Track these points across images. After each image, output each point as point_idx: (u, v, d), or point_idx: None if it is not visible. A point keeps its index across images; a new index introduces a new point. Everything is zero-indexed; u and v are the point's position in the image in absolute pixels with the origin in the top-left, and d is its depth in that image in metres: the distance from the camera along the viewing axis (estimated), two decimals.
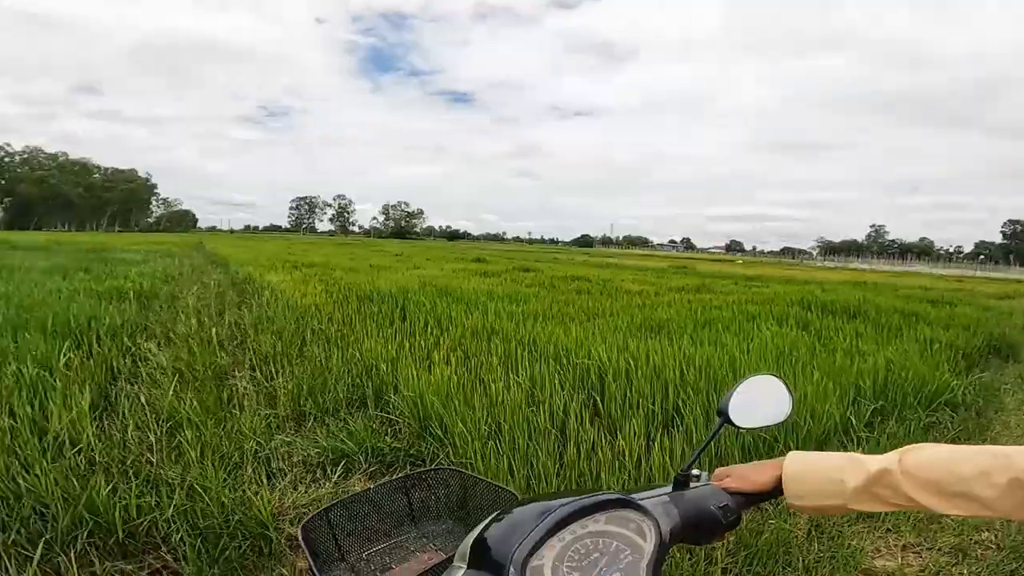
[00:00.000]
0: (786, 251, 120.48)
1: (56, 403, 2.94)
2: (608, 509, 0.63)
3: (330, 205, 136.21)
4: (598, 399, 3.49)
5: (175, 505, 2.23)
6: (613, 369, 3.77)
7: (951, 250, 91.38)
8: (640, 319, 6.23)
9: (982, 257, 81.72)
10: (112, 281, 9.38)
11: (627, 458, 2.75)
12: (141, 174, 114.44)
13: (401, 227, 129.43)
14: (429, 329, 5.45)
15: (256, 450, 2.97)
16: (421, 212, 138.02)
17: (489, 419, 3.14)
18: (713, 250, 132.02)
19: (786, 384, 0.87)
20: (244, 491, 2.47)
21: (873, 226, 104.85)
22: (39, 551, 1.96)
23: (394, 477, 1.22)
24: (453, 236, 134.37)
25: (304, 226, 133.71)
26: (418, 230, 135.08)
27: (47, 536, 2.04)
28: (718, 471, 0.85)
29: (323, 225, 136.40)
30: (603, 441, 2.98)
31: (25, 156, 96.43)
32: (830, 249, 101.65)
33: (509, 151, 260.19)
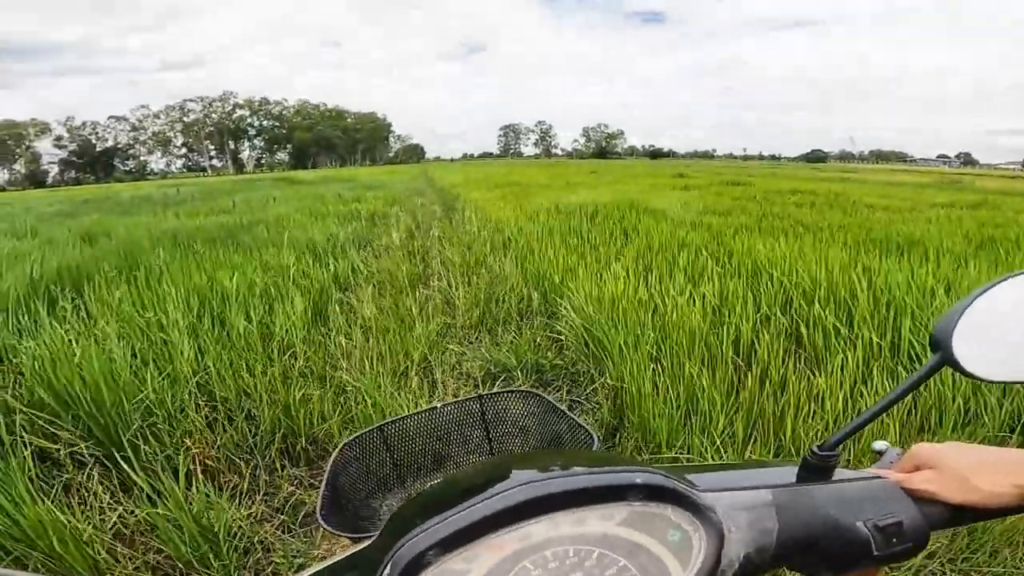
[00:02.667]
0: None
1: (281, 311, 3.32)
2: (624, 498, 0.34)
3: (532, 131, 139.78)
4: (802, 325, 2.85)
5: (345, 413, 2.35)
6: (827, 290, 3.04)
7: None
8: (879, 234, 4.97)
9: None
10: (354, 204, 11.03)
11: (826, 403, 2.17)
12: (379, 115, 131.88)
13: (602, 147, 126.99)
14: (613, 240, 5.15)
15: (425, 359, 3.06)
16: (621, 132, 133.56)
17: (659, 339, 2.78)
18: (1005, 166, 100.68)
19: None
20: (403, 402, 2.49)
21: None
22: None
23: (466, 396, 1.04)
24: (656, 155, 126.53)
25: (511, 151, 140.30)
26: (619, 150, 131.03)
27: (252, 440, 2.23)
28: (915, 450, 0.47)
29: (528, 150, 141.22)
30: (799, 379, 2.42)
31: (296, 108, 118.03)
32: None
33: (714, 66, 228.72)
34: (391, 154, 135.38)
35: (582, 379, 2.84)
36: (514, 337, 3.29)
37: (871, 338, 2.61)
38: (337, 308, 3.81)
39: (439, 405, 0.94)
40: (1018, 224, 6.40)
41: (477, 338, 3.44)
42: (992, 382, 0.44)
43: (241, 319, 3.10)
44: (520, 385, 2.83)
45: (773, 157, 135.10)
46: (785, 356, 2.60)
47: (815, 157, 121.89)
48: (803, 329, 2.81)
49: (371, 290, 4.31)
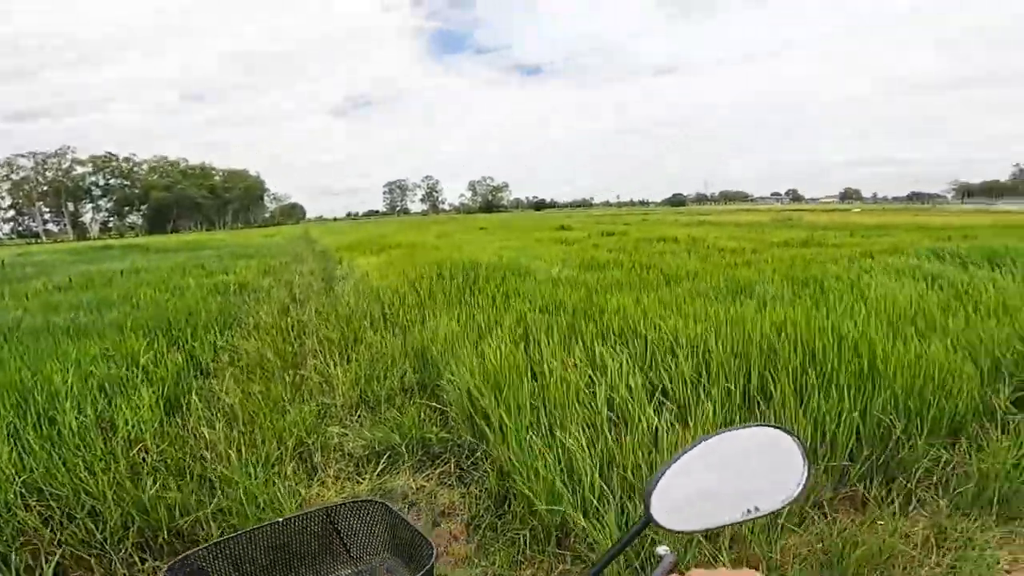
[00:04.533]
0: (914, 196, 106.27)
1: (124, 402, 3.05)
2: None
3: (419, 186, 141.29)
4: (667, 378, 3.06)
5: (215, 504, 2.22)
6: (686, 342, 3.31)
7: None
8: (727, 281, 5.57)
9: None
10: (220, 276, 10.18)
11: None
12: (252, 173, 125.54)
13: (489, 201, 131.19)
14: (494, 306, 5.23)
15: (303, 443, 2.92)
16: (506, 185, 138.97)
17: (539, 405, 2.83)
18: (825, 200, 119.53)
19: (796, 440, 0.49)
20: (279, 489, 2.40)
21: (1017, 165, 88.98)
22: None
23: (312, 508, 1.01)
24: (540, 206, 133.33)
25: (398, 208, 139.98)
26: (505, 203, 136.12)
27: (99, 536, 2.08)
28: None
29: (415, 206, 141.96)
30: (668, 429, 2.58)
31: (153, 164, 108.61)
32: (968, 191, 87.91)
33: (590, 116, 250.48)
34: (267, 215, 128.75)
35: (469, 450, 2.82)
36: (397, 414, 3.20)
37: (727, 385, 2.86)
38: (196, 397, 3.49)
39: (282, 520, 0.91)
40: (838, 259, 7.55)
41: (358, 418, 3.31)
42: (689, 533, 0.52)
43: (73, 415, 2.81)
44: (404, 463, 2.78)
45: (643, 202, 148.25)
46: (653, 412, 2.76)
47: (677, 201, 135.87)
48: (668, 383, 3.01)
49: (237, 374, 3.99)
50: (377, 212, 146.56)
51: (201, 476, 2.46)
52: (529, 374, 3.24)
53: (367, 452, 2.86)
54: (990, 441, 2.45)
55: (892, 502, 2.19)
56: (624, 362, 3.25)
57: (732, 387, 2.85)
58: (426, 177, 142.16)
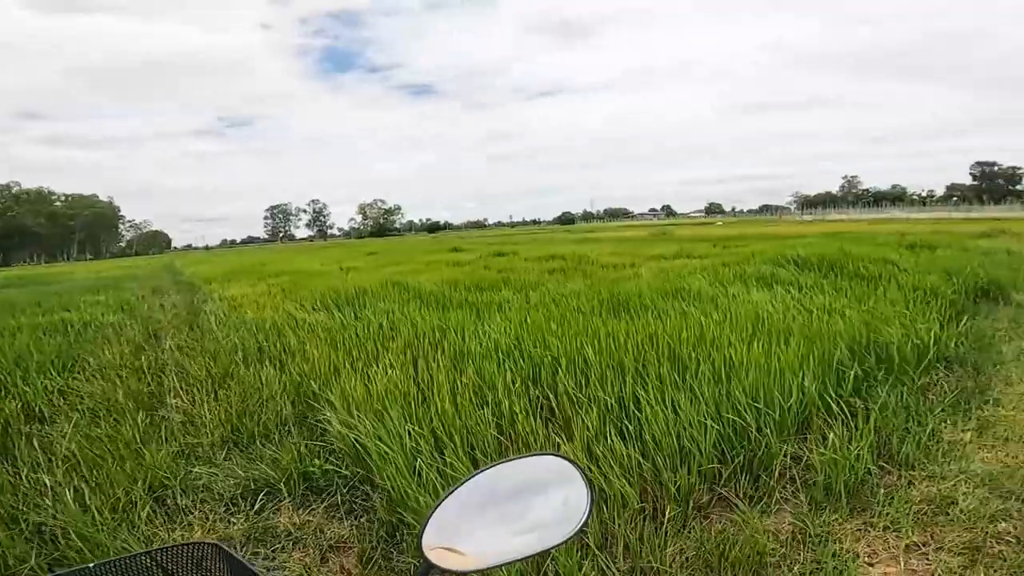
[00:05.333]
0: (765, 208, 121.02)
1: None
2: None
3: (305, 211, 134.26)
4: (551, 394, 3.13)
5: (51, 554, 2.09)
6: (566, 358, 3.41)
7: (924, 194, 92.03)
8: (608, 296, 5.88)
9: (955, 199, 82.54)
10: (61, 314, 8.86)
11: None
12: (103, 198, 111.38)
13: (380, 225, 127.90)
14: (381, 332, 5.06)
15: (164, 485, 2.70)
16: (398, 208, 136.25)
17: (430, 431, 2.80)
18: (693, 214, 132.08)
19: (576, 467, 0.50)
20: (128, 536, 2.23)
21: (846, 177, 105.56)
22: None
23: (136, 552, 0.87)
24: (433, 228, 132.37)
25: (281, 235, 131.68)
26: (398, 226, 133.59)
27: None
28: None
29: (301, 232, 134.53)
30: (554, 443, 2.64)
31: None
32: (807, 203, 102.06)
33: (482, 137, 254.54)
34: (122, 244, 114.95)
35: (358, 481, 2.71)
36: (275, 450, 3.01)
37: (603, 396, 2.97)
38: (29, 443, 3.15)
39: (93, 565, 0.78)
40: (702, 270, 8.30)
41: (227, 456, 3.07)
42: (473, 572, 0.47)
43: None
44: (285, 500, 2.62)
45: (535, 221, 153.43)
46: (540, 426, 2.82)
47: (566, 219, 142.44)
48: (551, 398, 3.08)
49: (79, 418, 3.56)
50: (257, 239, 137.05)
51: (40, 524, 2.27)
52: (419, 398, 3.20)
53: (241, 491, 2.68)
54: (833, 435, 2.64)
55: (760, 501, 2.35)
56: (510, 380, 3.28)
57: (608, 398, 2.97)
58: (312, 201, 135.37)
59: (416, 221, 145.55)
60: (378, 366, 3.88)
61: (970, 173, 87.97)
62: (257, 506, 2.55)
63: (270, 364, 4.44)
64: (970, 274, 6.64)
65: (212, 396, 3.92)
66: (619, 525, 2.12)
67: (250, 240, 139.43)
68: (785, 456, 2.58)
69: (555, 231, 57.44)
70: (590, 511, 0.49)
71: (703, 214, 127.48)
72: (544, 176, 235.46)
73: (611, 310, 5.15)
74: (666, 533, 2.13)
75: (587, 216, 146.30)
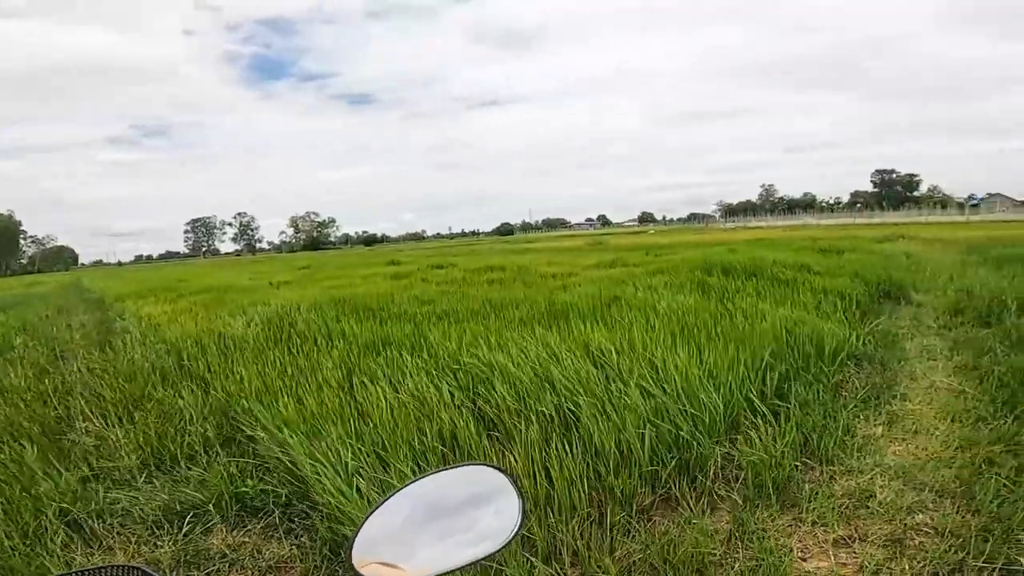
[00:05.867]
0: (692, 217, 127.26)
1: None
2: None
3: (230, 224, 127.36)
4: (491, 408, 3.12)
5: None
6: (504, 371, 3.42)
7: (832, 201, 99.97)
8: (545, 306, 5.96)
9: (858, 205, 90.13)
10: None
11: (520, 477, 2.38)
12: (2, 211, 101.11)
13: (314, 238, 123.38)
14: (318, 346, 4.88)
15: (75, 509, 2.56)
16: (333, 220, 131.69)
17: (371, 446, 2.74)
18: (627, 223, 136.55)
19: (508, 476, 0.51)
20: (46, 561, 2.14)
21: (763, 186, 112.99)
22: None
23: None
24: (370, 241, 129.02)
25: (204, 249, 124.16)
26: (333, 239, 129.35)
27: None
28: None
29: (226, 246, 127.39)
30: (498, 454, 2.63)
31: None
32: (730, 211, 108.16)
33: (421, 147, 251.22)
34: (23, 261, 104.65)
35: (296, 499, 2.62)
36: (201, 472, 2.88)
37: (541, 409, 2.99)
38: None
39: None
40: (636, 277, 8.58)
41: (149, 479, 2.92)
42: None
43: None
44: (215, 521, 2.51)
45: (473, 233, 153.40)
46: (479, 439, 2.80)
47: (505, 230, 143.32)
48: (491, 411, 3.07)
49: None
50: (177, 254, 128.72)
51: None
52: (355, 414, 3.12)
53: (165, 513, 2.57)
54: (760, 434, 2.78)
55: (698, 501, 2.41)
56: (449, 393, 3.25)
57: (549, 409, 2.99)
58: (239, 214, 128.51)
59: (352, 234, 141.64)
60: (312, 383, 3.74)
61: (871, 180, 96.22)
62: (185, 528, 2.46)
63: (193, 383, 4.19)
64: (874, 276, 7.26)
65: (128, 418, 3.69)
66: (567, 532, 2.14)
67: (169, 255, 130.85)
68: (718, 456, 2.67)
69: (494, 242, 57.72)
70: (522, 519, 0.49)
71: (636, 223, 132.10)
72: (484, 186, 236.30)
73: (550, 320, 5.22)
74: (612, 537, 2.16)
75: (526, 227, 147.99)
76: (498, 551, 0.51)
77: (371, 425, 2.94)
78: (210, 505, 2.57)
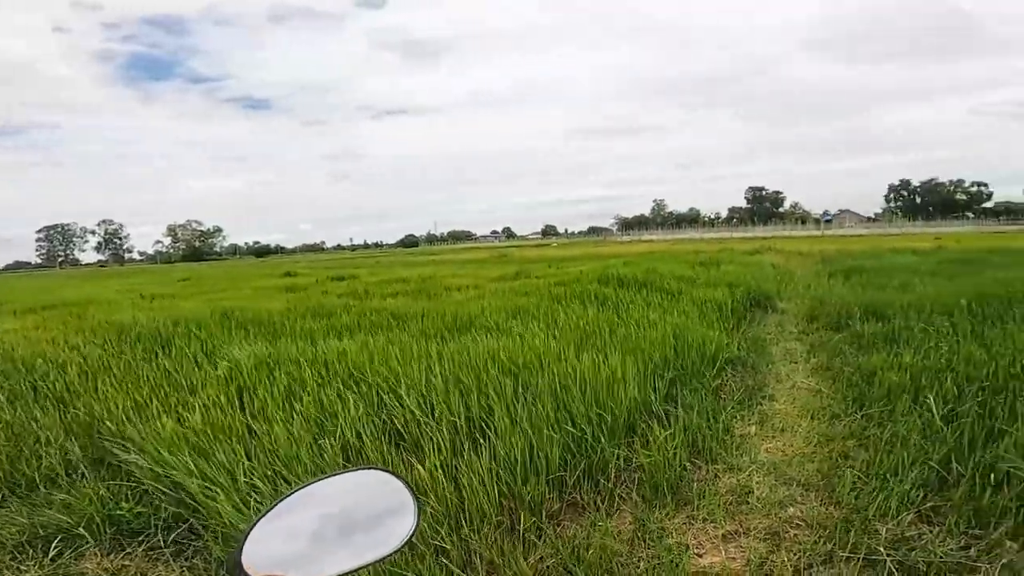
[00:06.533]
0: (592, 230, 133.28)
1: None
2: None
3: (93, 232, 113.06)
4: (398, 420, 3.07)
5: None
6: (411, 382, 3.39)
7: (713, 216, 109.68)
8: (452, 318, 5.96)
9: (735, 220, 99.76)
10: None
11: (429, 494, 2.36)
12: None
13: (195, 248, 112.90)
14: (197, 364, 4.49)
15: None
16: (219, 230, 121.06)
17: (262, 464, 2.60)
18: (531, 236, 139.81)
19: (401, 480, 0.53)
20: None
21: (655, 201, 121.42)
22: None
23: None
24: (263, 252, 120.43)
25: (61, 259, 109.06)
26: (218, 249, 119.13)
27: None
28: None
29: (88, 256, 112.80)
30: (405, 468, 2.60)
31: None
32: (626, 224, 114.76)
33: (322, 156, 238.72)
34: None
35: (183, 519, 2.45)
36: (66, 495, 2.64)
37: (451, 418, 3.00)
38: None
39: None
40: (539, 290, 8.82)
41: (3, 504, 2.71)
42: None
43: None
44: (88, 546, 2.35)
45: (377, 245, 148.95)
46: (388, 451, 2.75)
47: (410, 242, 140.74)
48: (398, 423, 3.02)
49: None
50: (27, 264, 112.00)
51: None
52: (246, 431, 2.98)
53: (28, 538, 2.39)
54: (654, 436, 2.93)
55: (602, 503, 2.51)
56: (353, 407, 3.15)
57: (457, 419, 3.00)
58: (104, 221, 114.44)
59: (242, 244, 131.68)
60: (196, 400, 3.45)
61: (745, 197, 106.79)
62: (52, 553, 2.29)
63: (49, 404, 3.73)
64: (746, 287, 8.07)
65: None
66: (479, 541, 2.16)
67: (18, 265, 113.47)
68: (618, 460, 2.79)
69: (397, 254, 56.53)
70: (417, 522, 0.51)
71: (540, 236, 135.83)
72: (388, 197, 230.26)
73: (455, 331, 5.23)
74: (524, 544, 2.19)
75: (431, 239, 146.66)
76: (392, 554, 0.52)
77: (265, 442, 2.78)
78: (80, 528, 2.40)
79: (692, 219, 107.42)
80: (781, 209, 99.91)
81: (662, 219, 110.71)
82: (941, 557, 2.02)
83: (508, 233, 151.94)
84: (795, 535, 2.28)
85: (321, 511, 0.46)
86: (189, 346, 5.10)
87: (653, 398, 3.46)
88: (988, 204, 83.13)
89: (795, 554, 2.15)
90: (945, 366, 3.79)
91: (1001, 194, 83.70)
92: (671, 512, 2.48)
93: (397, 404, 3.19)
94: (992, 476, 2.36)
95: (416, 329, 5.47)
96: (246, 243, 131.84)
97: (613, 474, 2.70)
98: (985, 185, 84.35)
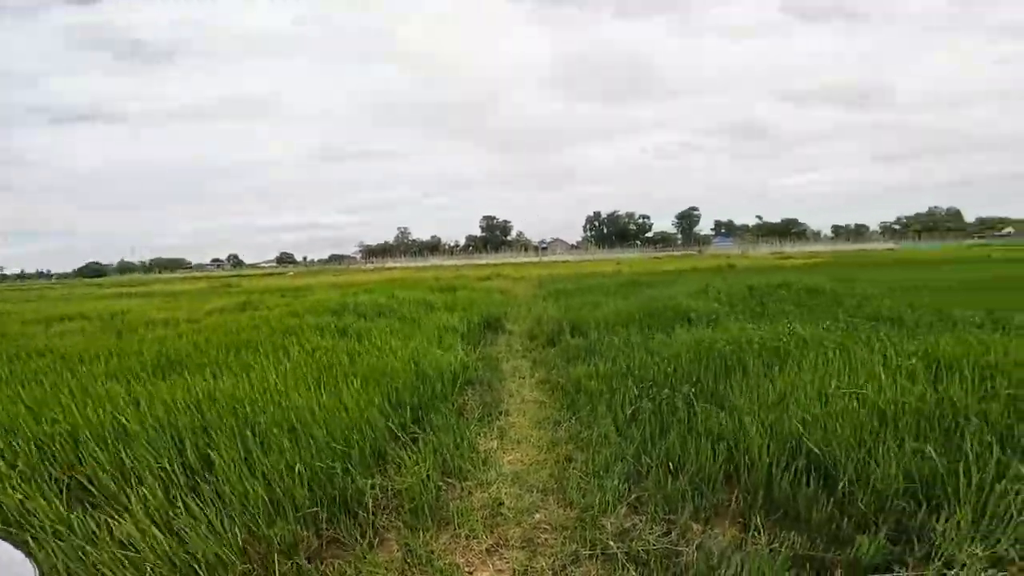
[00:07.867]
0: (334, 258, 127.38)
1: None
2: None
3: None
4: (80, 474, 2.41)
5: None
6: (98, 429, 2.71)
7: (452, 244, 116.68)
8: (154, 356, 4.95)
9: (471, 248, 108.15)
10: None
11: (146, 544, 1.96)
12: None
13: None
14: None
15: None
16: None
17: None
18: (264, 264, 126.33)
19: (10, 543, 0.47)
20: None
21: (399, 228, 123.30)
22: None
23: None
24: None
25: None
26: None
27: None
28: None
29: None
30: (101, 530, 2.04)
31: None
32: (370, 252, 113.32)
33: None
34: None
35: None
36: None
37: (163, 466, 2.49)
38: None
39: None
40: (269, 321, 8.00)
41: None
42: None
43: None
44: None
45: (42, 274, 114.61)
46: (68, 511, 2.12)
47: (93, 271, 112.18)
48: (80, 477, 2.37)
49: None
50: None
51: None
52: None
53: None
54: (406, 461, 2.93)
55: (363, 536, 2.37)
56: (11, 467, 2.35)
57: (169, 465, 2.53)
58: None
59: None
60: None
61: (479, 226, 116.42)
62: None
63: None
64: (479, 310, 8.80)
65: None
66: None
67: None
68: (374, 488, 2.71)
69: (74, 286, 44.43)
70: None
71: (275, 264, 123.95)
72: (66, 215, 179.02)
73: (161, 371, 4.36)
74: None
75: (126, 267, 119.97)
76: None
77: None
78: None
79: (434, 246, 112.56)
80: (509, 237, 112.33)
81: (406, 246, 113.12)
82: (654, 545, 2.29)
83: (235, 261, 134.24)
84: (545, 539, 2.46)
85: None
86: None
87: (400, 424, 3.45)
88: (649, 234, 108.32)
89: (548, 558, 2.31)
90: (627, 371, 4.53)
91: (659, 225, 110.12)
92: (434, 534, 2.49)
93: (81, 455, 2.51)
94: (670, 464, 2.81)
95: (99, 370, 4.37)
96: None
97: (370, 504, 2.62)
98: (647, 217, 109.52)
